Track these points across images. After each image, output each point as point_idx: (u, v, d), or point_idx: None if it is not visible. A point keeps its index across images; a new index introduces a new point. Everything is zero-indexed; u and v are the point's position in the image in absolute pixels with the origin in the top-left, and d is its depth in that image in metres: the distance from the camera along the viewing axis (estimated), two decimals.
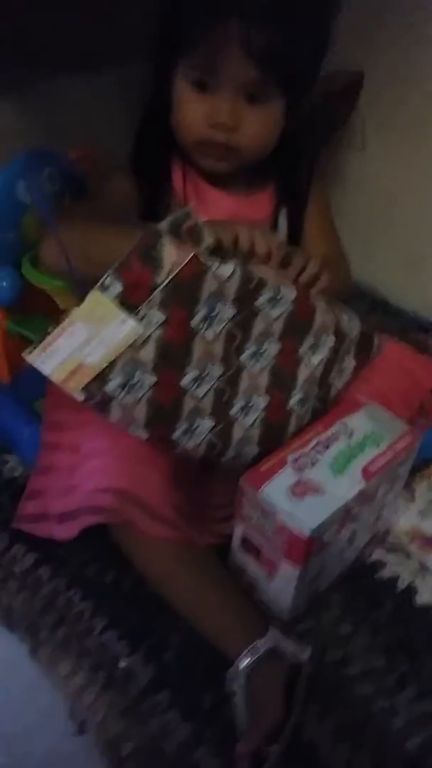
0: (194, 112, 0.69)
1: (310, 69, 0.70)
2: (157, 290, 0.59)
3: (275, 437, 0.69)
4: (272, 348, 0.68)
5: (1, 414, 0.88)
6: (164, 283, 0.59)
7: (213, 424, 0.66)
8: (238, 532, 0.67)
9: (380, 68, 1.04)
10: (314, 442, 0.67)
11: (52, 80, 0.89)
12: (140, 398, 0.61)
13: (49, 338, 0.58)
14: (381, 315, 0.85)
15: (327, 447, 0.66)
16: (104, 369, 0.59)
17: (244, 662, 0.60)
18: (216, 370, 0.65)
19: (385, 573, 0.76)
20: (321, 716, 0.63)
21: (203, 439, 0.66)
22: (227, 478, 0.68)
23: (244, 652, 0.61)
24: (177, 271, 0.58)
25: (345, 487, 0.63)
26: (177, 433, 0.64)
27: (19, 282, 0.79)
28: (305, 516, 0.60)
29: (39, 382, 0.63)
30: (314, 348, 0.70)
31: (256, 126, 0.70)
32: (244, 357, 0.66)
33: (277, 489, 0.62)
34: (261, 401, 0.69)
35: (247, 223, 0.66)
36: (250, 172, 0.77)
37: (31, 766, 0.63)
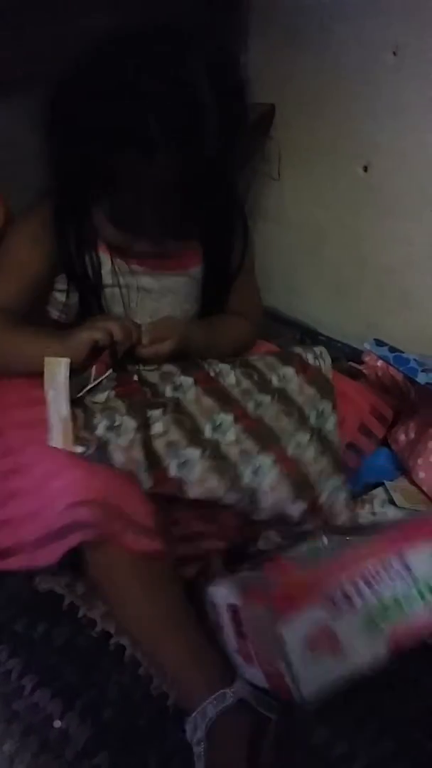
0: None
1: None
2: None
3: (305, 486, 0.66)
4: (225, 419, 0.69)
5: None
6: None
7: (237, 498, 0.66)
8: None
9: (291, 101, 1.06)
10: (369, 569, 0.54)
11: None
12: (132, 439, 0.64)
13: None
14: (310, 344, 0.87)
15: (376, 585, 0.54)
16: (86, 417, 0.64)
17: (210, 711, 0.55)
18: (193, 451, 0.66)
19: None
20: None
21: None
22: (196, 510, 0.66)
23: (210, 700, 0.55)
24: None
25: (362, 653, 0.52)
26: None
27: None
28: (306, 680, 0.51)
29: None
30: (259, 405, 0.72)
31: None
32: (207, 433, 0.68)
33: (297, 631, 0.51)
34: (266, 459, 0.67)
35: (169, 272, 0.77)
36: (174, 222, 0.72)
37: None
